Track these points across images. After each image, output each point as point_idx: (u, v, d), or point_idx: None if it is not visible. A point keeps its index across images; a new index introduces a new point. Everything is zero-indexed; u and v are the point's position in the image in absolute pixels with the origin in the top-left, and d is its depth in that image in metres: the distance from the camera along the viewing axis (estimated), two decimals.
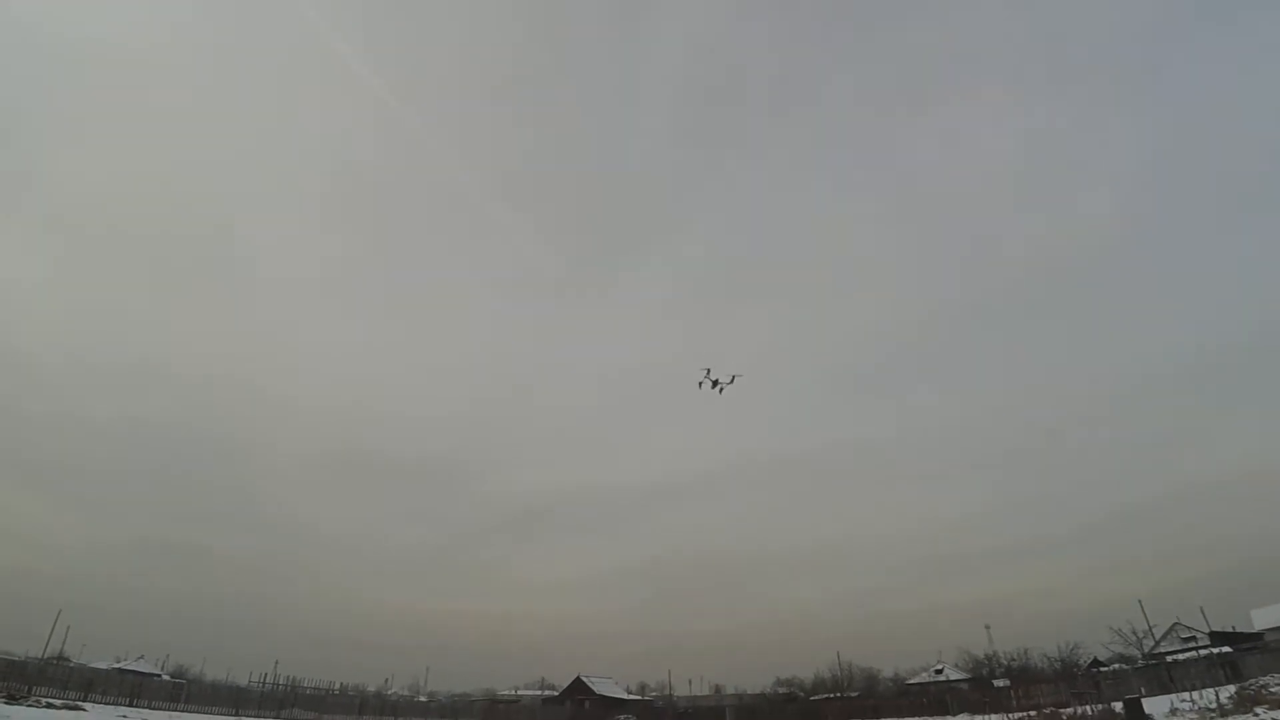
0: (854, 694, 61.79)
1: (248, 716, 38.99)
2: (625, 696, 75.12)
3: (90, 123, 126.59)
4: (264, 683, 53.79)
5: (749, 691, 76.47)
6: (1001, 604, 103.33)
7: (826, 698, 61.22)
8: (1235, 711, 18.88)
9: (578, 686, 72.99)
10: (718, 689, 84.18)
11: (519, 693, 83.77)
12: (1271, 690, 20.72)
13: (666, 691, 77.79)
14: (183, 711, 36.15)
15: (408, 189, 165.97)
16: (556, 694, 76.47)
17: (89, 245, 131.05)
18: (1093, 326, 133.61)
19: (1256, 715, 17.10)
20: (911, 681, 67.70)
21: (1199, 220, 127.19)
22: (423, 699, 68.16)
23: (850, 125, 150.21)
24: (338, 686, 56.87)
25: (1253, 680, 24.94)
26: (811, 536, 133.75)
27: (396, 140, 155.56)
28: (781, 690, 74.56)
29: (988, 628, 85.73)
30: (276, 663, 58.88)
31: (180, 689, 41.36)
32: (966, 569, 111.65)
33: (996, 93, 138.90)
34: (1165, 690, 29.60)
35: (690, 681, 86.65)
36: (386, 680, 75.30)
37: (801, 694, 69.70)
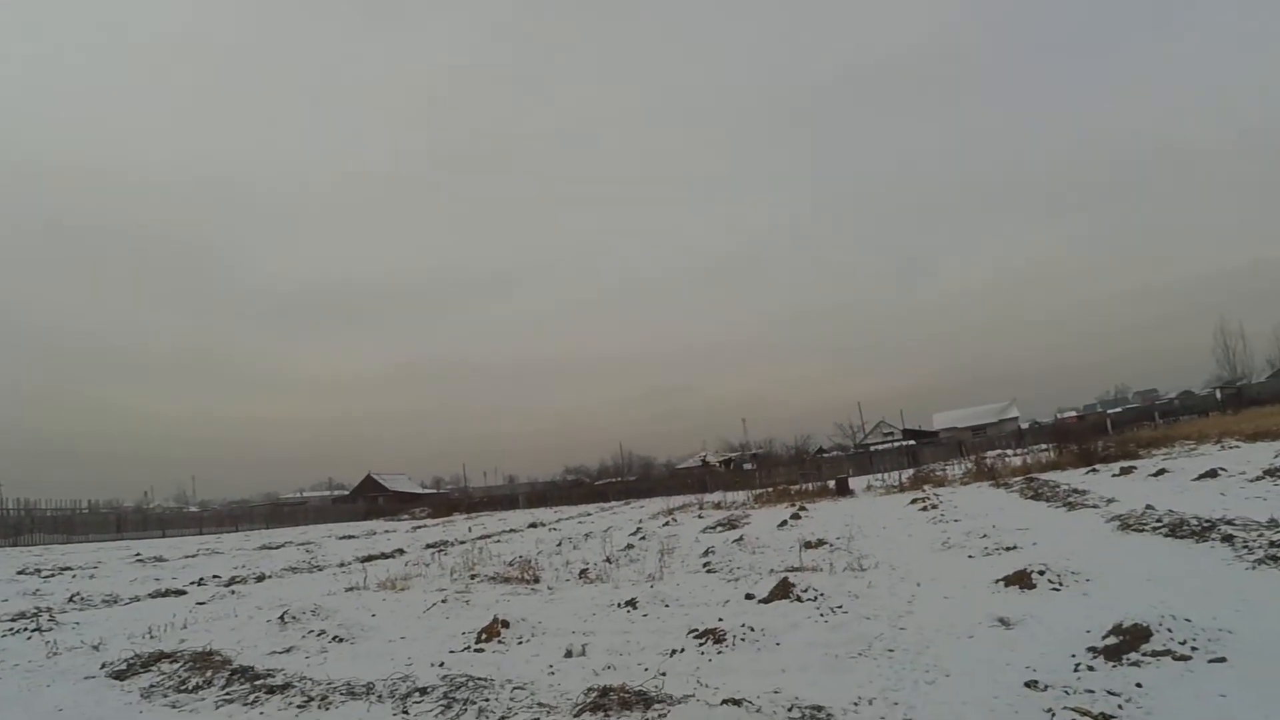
0: (633, 478, 70.43)
1: None
2: (420, 491, 77.75)
3: None
4: None
5: (540, 480, 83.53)
6: (755, 402, 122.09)
7: (609, 481, 68.98)
8: (911, 487, 23.96)
9: (369, 484, 73.60)
10: (511, 479, 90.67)
11: (304, 495, 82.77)
12: (937, 473, 26.92)
13: (462, 484, 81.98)
14: None
15: None
16: (348, 492, 76.83)
17: None
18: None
19: (923, 490, 21.73)
20: (680, 466, 78.77)
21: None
22: (193, 509, 64.16)
23: None
24: (85, 505, 50.98)
25: (926, 465, 33.11)
26: (599, 347, 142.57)
27: None
28: (570, 478, 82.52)
29: (744, 421, 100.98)
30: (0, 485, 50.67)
31: None
32: (730, 371, 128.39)
33: None
34: (866, 471, 37.53)
35: (485, 474, 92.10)
36: (146, 493, 69.42)
37: (588, 479, 77.69)
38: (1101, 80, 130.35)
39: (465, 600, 9.01)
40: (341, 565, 15.81)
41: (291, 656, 6.54)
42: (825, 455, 58.58)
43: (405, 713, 4.72)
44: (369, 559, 16.93)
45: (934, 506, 15.96)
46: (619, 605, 7.90)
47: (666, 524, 20.55)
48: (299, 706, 4.99)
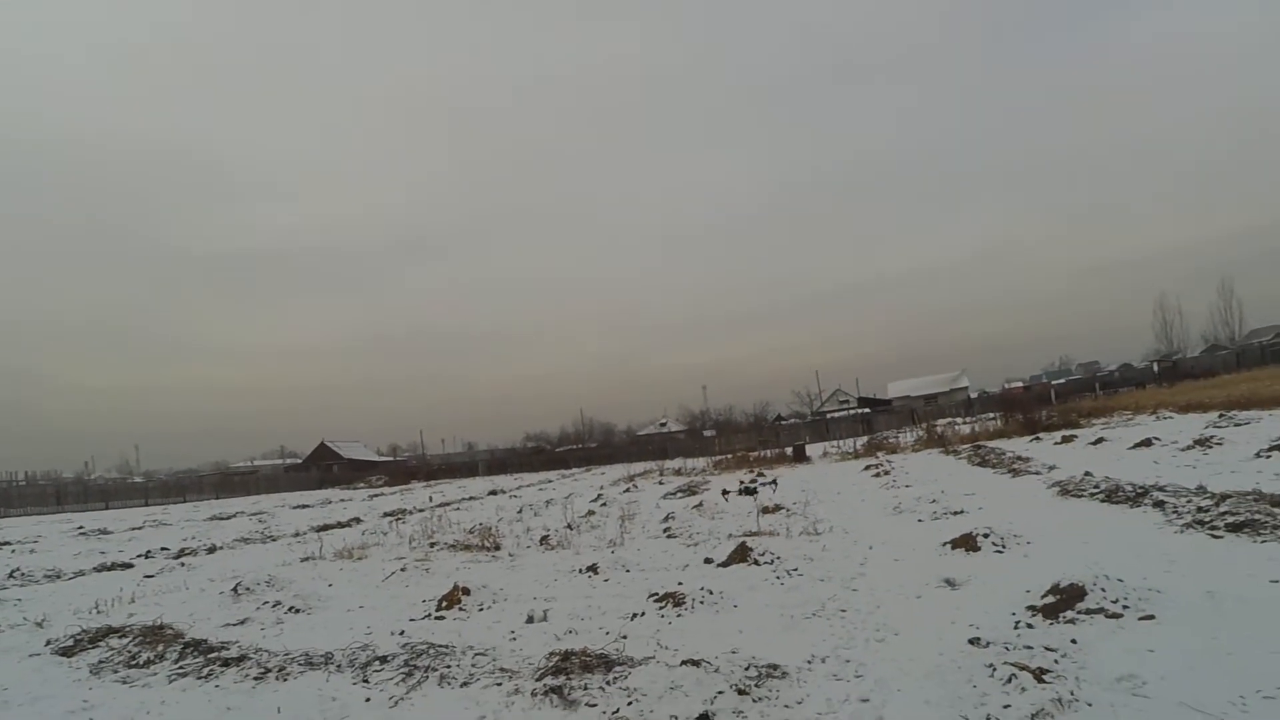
0: (594, 444, 70.82)
1: None
2: (376, 459, 76.69)
3: None
4: None
5: (501, 447, 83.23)
6: (716, 370, 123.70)
7: (570, 448, 69.22)
8: (865, 454, 24.69)
9: (323, 452, 72.16)
10: (471, 446, 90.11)
11: (255, 464, 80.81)
12: (890, 440, 27.76)
13: (420, 451, 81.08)
14: None
15: None
16: (300, 461, 75.27)
17: None
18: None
19: (877, 457, 22.41)
20: (641, 433, 79.46)
21: None
22: (138, 480, 62.00)
23: None
24: (21, 476, 48.62)
25: (880, 433, 34.08)
26: (559, 310, 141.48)
27: None
28: (531, 444, 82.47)
29: (704, 388, 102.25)
30: None
31: None
32: (694, 339, 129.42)
33: None
34: (823, 439, 38.49)
35: (443, 441, 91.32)
36: (86, 464, 66.74)
37: (549, 446, 77.82)
38: (1053, 60, 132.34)
39: (425, 568, 8.98)
40: (296, 535, 15.55)
41: (246, 628, 6.43)
42: (784, 422, 59.84)
43: (365, 681, 4.71)
44: (324, 528, 16.68)
45: (886, 473, 16.49)
46: (580, 571, 7.98)
47: (627, 490, 20.78)
48: (255, 679, 4.92)
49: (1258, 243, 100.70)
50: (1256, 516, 6.02)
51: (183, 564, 11.71)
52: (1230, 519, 6.16)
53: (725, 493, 14.45)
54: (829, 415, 55.30)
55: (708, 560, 7.96)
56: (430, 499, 25.82)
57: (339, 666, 5.02)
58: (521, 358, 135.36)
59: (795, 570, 7.02)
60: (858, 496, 13.02)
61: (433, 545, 11.16)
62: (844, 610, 5.46)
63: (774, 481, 15.43)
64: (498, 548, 10.47)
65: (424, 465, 65.84)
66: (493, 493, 27.10)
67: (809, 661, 4.36)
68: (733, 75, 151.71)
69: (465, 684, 4.51)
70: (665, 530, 10.90)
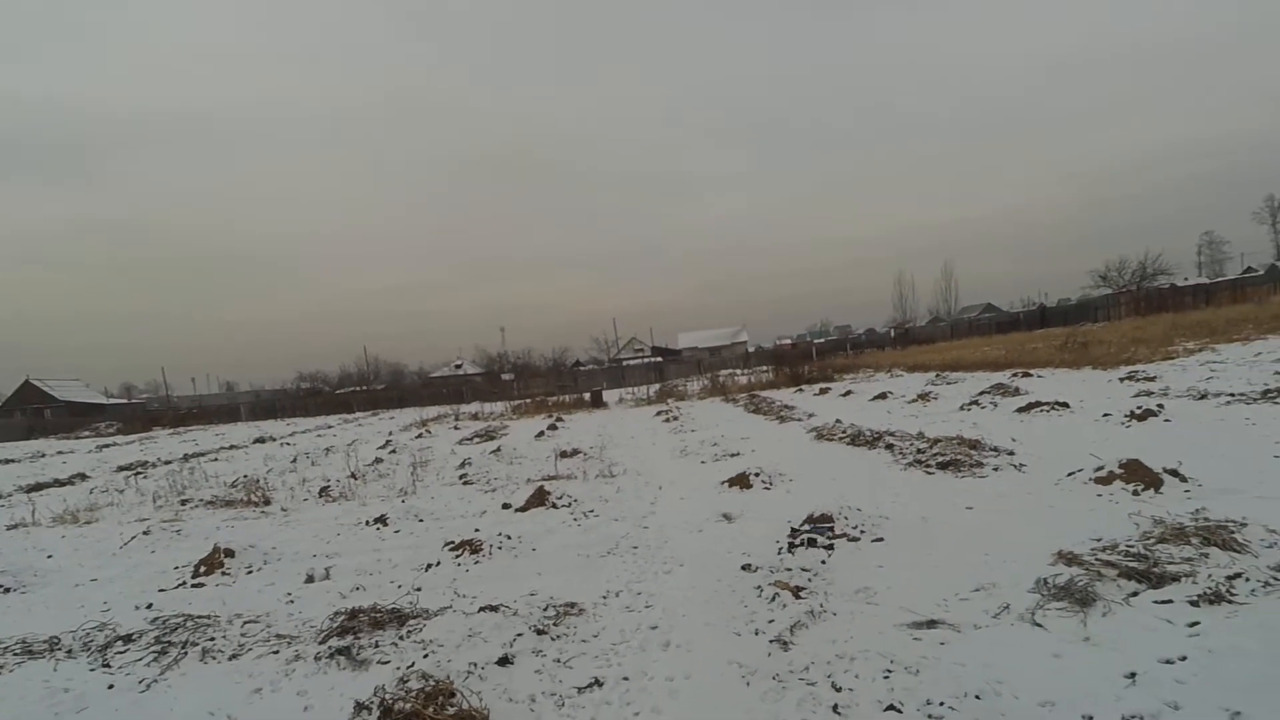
0: (381, 386, 66.21)
1: None
2: (104, 401, 64.33)
3: None
4: None
5: (268, 388, 74.42)
6: (514, 310, 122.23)
7: (353, 390, 63.98)
8: (657, 401, 26.26)
9: (30, 393, 58.82)
10: (230, 387, 79.48)
11: None
12: (680, 388, 29.86)
13: (163, 393, 69.50)
14: None
15: None
16: None
17: None
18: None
19: (668, 404, 24.00)
20: (434, 375, 76.00)
21: None
22: None
23: None
24: None
25: (671, 381, 36.58)
26: (340, 222, 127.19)
27: None
28: (305, 385, 74.76)
29: (502, 330, 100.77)
30: None
31: None
32: (490, 275, 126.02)
33: None
34: (619, 385, 40.22)
35: (194, 380, 79.29)
36: None
37: (327, 388, 71.19)
38: (838, 50, 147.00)
39: (176, 530, 7.85)
40: None
41: None
42: (582, 368, 61.18)
43: (106, 666, 4.02)
44: (37, 488, 13.81)
45: (676, 418, 17.74)
46: (367, 523, 7.53)
47: (420, 436, 19.90)
48: None
49: (971, 229, 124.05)
50: (958, 457, 7.54)
51: None
52: (940, 459, 7.64)
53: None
54: (625, 363, 57.69)
55: (506, 505, 7.97)
56: (180, 449, 22.41)
57: (70, 652, 4.24)
58: (288, 286, 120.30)
59: (592, 512, 7.32)
60: (650, 441, 13.87)
61: (185, 503, 9.76)
62: (636, 547, 5.83)
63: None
64: (267, 502, 9.47)
65: (170, 409, 56.49)
66: (260, 440, 24.27)
67: (604, 597, 4.61)
68: None
69: (235, 656, 4.06)
70: (461, 477, 10.68)
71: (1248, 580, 3.58)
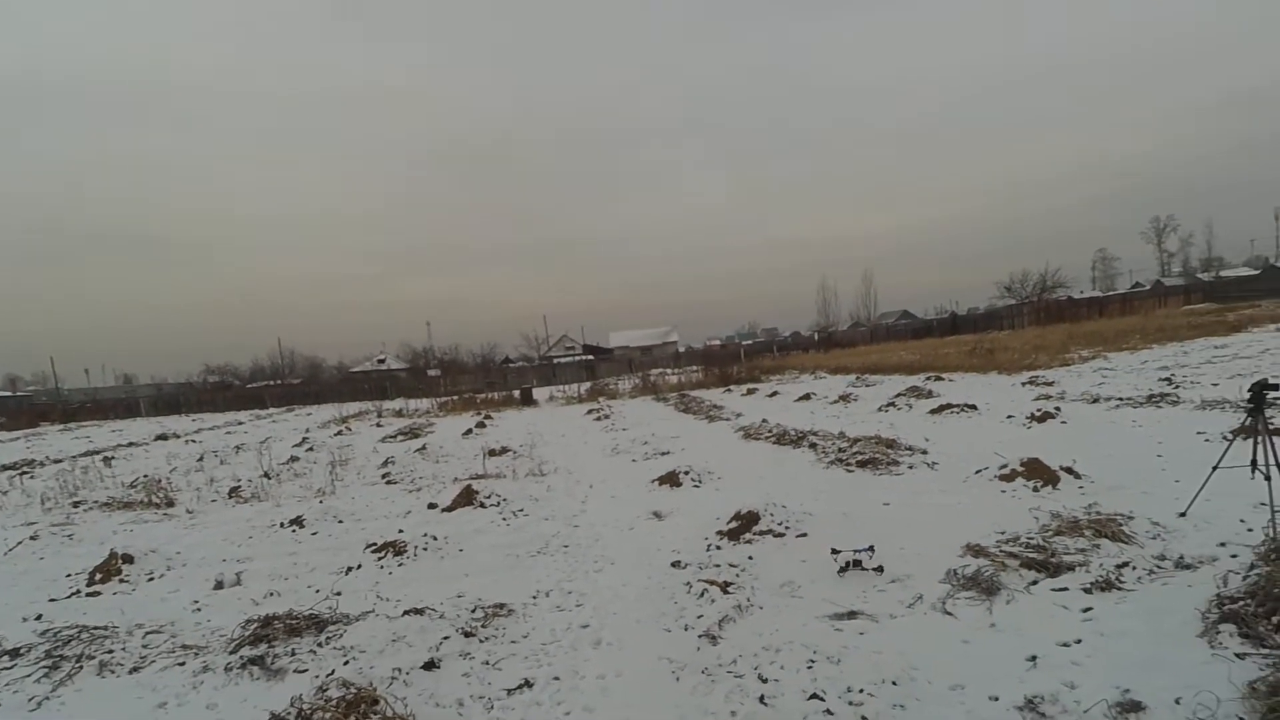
0: (297, 380, 62.96)
1: None
2: None
3: None
4: None
5: (171, 381, 69.53)
6: (441, 305, 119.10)
7: (267, 384, 60.57)
8: (588, 399, 26.21)
9: None
10: (128, 379, 73.73)
11: None
12: (611, 386, 29.91)
13: (51, 385, 63.69)
14: None
15: None
16: None
17: None
18: None
19: (599, 402, 24.00)
20: (356, 369, 72.96)
21: None
22: None
23: None
24: None
25: (602, 379, 36.61)
26: (253, 204, 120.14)
27: None
28: (214, 379, 70.20)
29: (428, 324, 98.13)
30: None
31: None
32: (416, 268, 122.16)
33: None
34: (550, 383, 39.90)
35: (88, 371, 73.16)
36: None
37: (238, 382, 67.13)
38: (769, 55, 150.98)
39: (68, 534, 7.25)
40: None
41: None
42: (511, 365, 60.24)
43: None
44: None
45: (607, 417, 17.75)
46: (282, 525, 7.18)
47: (339, 433, 19.08)
48: None
49: (893, 239, 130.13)
50: (877, 456, 7.90)
51: None
52: (860, 458, 7.98)
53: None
54: (556, 360, 57.25)
55: (432, 505, 7.77)
56: (73, 447, 20.63)
57: None
58: (196, 271, 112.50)
59: (521, 511, 7.24)
60: (581, 439, 13.82)
61: (77, 505, 9.02)
62: (567, 546, 5.82)
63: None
64: (171, 504, 8.87)
65: (60, 403, 51.77)
66: (162, 437, 22.65)
67: (534, 597, 4.58)
68: None
69: (136, 669, 3.79)
70: (384, 476, 10.32)
71: (1134, 569, 3.95)
